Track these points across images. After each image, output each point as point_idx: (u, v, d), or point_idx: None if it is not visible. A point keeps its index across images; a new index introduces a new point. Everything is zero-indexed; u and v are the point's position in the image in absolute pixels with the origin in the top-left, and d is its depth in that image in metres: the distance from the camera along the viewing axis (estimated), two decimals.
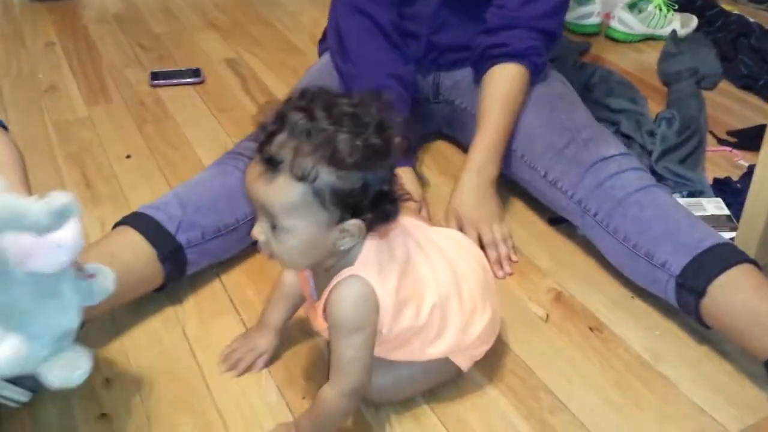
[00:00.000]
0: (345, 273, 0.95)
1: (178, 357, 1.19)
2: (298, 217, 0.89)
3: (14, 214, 0.82)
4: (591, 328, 1.25)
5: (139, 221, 1.23)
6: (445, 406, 1.11)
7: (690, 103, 1.89)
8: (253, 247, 1.42)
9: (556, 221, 1.49)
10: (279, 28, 2.43)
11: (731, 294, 1.15)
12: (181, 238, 1.24)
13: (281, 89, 2.03)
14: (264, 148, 0.88)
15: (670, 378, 1.16)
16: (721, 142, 1.81)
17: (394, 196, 0.93)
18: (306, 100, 0.89)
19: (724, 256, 1.18)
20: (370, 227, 0.94)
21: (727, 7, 2.51)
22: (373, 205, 0.90)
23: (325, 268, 0.98)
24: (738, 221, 1.35)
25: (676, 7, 2.44)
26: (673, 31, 2.33)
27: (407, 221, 1.03)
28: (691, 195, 1.53)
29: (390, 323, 0.98)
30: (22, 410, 1.09)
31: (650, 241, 1.24)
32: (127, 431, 1.07)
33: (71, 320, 0.93)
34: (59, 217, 0.84)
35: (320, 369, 1.16)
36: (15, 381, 1.04)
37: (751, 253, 1.24)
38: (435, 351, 1.06)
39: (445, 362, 1.10)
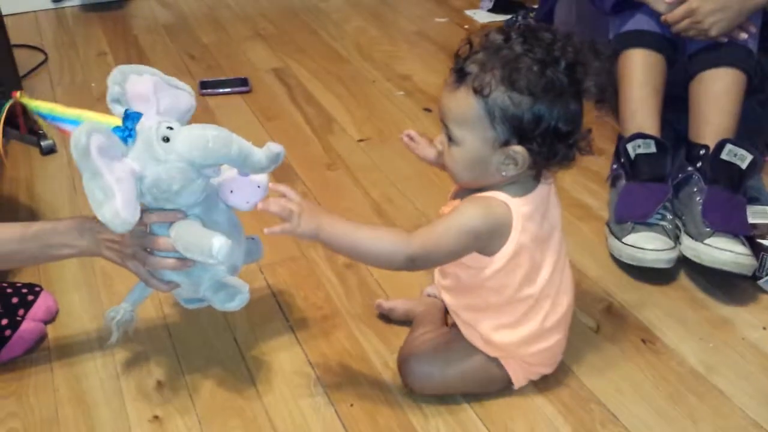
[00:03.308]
0: (491, 193, 0.98)
1: (228, 362, 1.20)
2: (468, 130, 0.95)
3: (245, 154, 1.02)
4: (643, 340, 1.23)
5: None
6: (493, 415, 1.10)
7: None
8: (301, 253, 1.44)
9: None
10: (324, 37, 2.45)
11: (706, 86, 1.47)
12: None
13: (327, 98, 2.05)
14: (459, 61, 0.95)
15: (725, 391, 1.14)
16: None
17: (572, 141, 0.95)
18: (512, 26, 0.95)
19: (725, 55, 1.46)
20: (539, 164, 0.96)
21: None
22: (542, 139, 0.93)
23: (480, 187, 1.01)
24: None
25: None
26: None
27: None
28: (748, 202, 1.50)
29: (501, 259, 0.99)
30: (77, 411, 1.11)
31: None
32: None
33: (241, 257, 1.14)
34: (274, 162, 1.04)
35: (367, 377, 1.17)
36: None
37: None
38: (499, 339, 1.06)
39: (496, 367, 1.10)
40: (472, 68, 0.93)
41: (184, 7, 2.72)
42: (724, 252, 1.27)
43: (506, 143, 0.94)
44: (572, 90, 0.92)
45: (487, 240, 0.98)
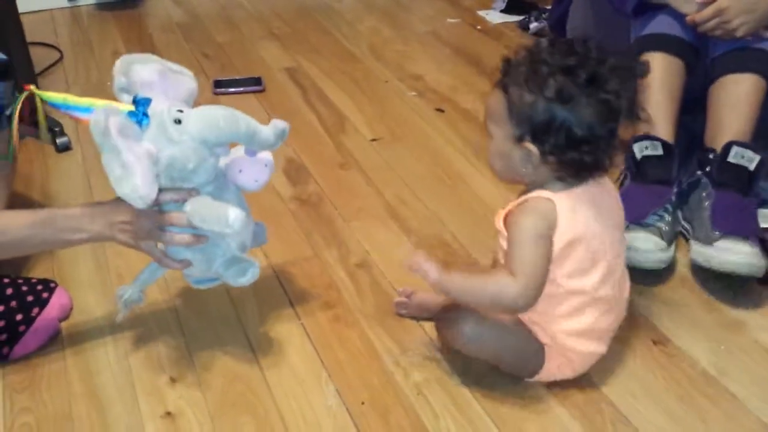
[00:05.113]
0: (535, 194, 1.04)
1: (240, 359, 1.21)
2: (496, 124, 1.03)
3: (252, 130, 1.05)
4: (654, 342, 1.23)
5: None
6: (505, 415, 1.10)
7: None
8: (314, 252, 1.45)
9: None
10: (338, 37, 2.46)
11: (726, 90, 1.45)
12: None
13: (340, 97, 2.05)
14: (505, 64, 1.03)
15: (737, 395, 1.13)
16: None
17: (589, 149, 0.98)
18: (565, 37, 1.03)
19: (749, 61, 1.45)
20: (561, 165, 1.00)
21: None
22: (555, 141, 0.98)
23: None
24: None
25: None
26: None
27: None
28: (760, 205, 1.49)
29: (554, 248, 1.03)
30: (90, 407, 1.12)
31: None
32: (191, 429, 1.09)
33: (250, 237, 1.17)
34: (281, 137, 1.07)
35: (379, 375, 1.17)
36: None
37: None
38: (559, 328, 1.08)
39: (536, 352, 1.10)
40: (509, 70, 1.02)
41: (198, 7, 2.74)
42: (734, 254, 1.27)
43: (520, 139, 1.00)
44: (591, 100, 0.96)
45: (550, 234, 1.02)
